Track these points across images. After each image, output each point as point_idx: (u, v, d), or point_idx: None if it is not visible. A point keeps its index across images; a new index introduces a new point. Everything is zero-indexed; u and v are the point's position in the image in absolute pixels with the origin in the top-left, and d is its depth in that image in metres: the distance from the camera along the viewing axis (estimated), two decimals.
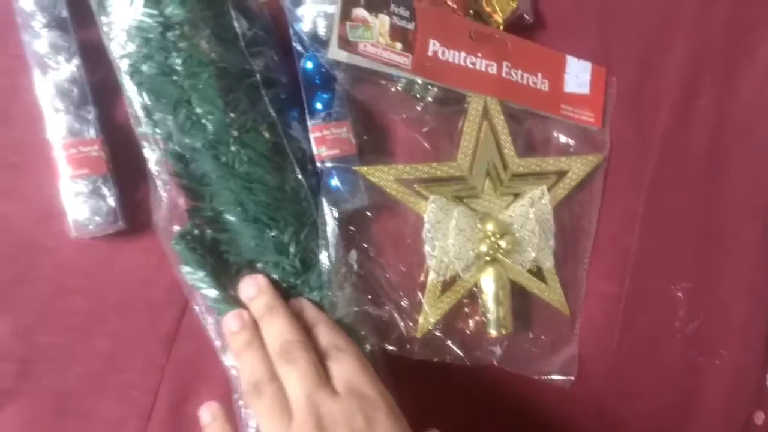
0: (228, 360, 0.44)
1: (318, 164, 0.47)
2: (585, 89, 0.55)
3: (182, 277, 0.43)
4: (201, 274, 0.43)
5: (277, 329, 0.40)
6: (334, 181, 0.47)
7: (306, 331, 0.41)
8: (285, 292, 0.44)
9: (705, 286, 0.55)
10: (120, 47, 0.43)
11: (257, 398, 0.38)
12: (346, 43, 0.46)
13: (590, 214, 0.54)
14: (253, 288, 0.42)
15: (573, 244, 0.53)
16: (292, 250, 0.45)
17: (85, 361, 0.45)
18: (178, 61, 0.43)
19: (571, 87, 0.54)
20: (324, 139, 0.47)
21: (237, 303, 0.43)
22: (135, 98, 0.43)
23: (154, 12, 0.43)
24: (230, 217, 0.44)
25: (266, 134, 0.45)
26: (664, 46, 0.56)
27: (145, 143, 0.43)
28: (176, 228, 0.44)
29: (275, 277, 0.45)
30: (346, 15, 0.46)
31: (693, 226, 0.55)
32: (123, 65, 0.43)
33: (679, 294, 0.54)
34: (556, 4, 0.55)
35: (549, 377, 0.51)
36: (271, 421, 0.37)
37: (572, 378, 0.51)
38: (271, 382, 0.38)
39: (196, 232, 0.44)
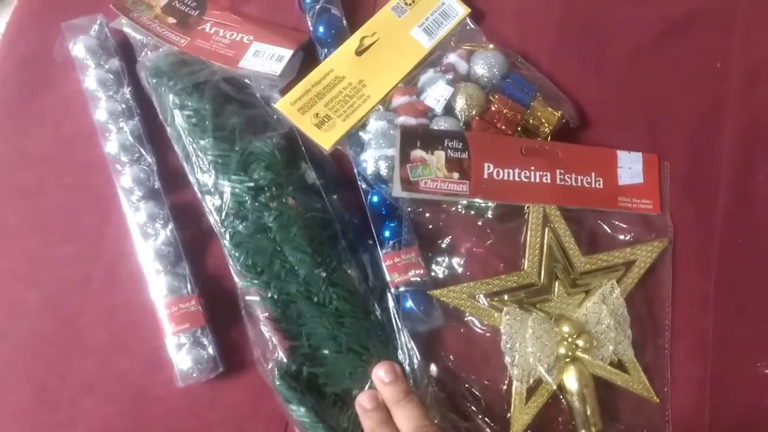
0: None
1: (392, 290, 0.52)
2: (639, 179, 0.58)
3: (285, 411, 0.49)
4: (302, 410, 0.48)
5: (414, 413, 0.45)
6: (409, 304, 0.52)
7: None
8: None
9: None
10: (218, 212, 0.51)
11: None
12: (408, 184, 0.52)
13: (663, 298, 0.56)
14: (390, 374, 0.47)
15: (651, 331, 0.55)
16: None
17: None
18: (270, 218, 0.50)
19: (626, 179, 0.58)
20: (396, 267, 0.52)
21: None
22: (235, 255, 0.51)
23: (245, 178, 0.50)
24: (325, 351, 0.50)
25: (349, 271, 0.52)
26: (713, 128, 0.60)
27: (246, 294, 0.51)
28: (274, 367, 0.50)
29: None
30: (405, 158, 0.53)
31: None
32: (223, 228, 0.51)
33: (767, 371, 0.55)
34: (599, 103, 0.60)
35: None
36: None
37: None
38: None
39: (294, 368, 0.50)
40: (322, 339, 0.50)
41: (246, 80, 0.55)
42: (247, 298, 0.50)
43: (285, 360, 0.49)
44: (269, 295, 0.50)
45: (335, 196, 0.54)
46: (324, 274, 0.50)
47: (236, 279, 0.51)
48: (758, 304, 0.56)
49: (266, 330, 0.50)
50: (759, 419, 0.54)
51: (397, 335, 0.51)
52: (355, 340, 0.50)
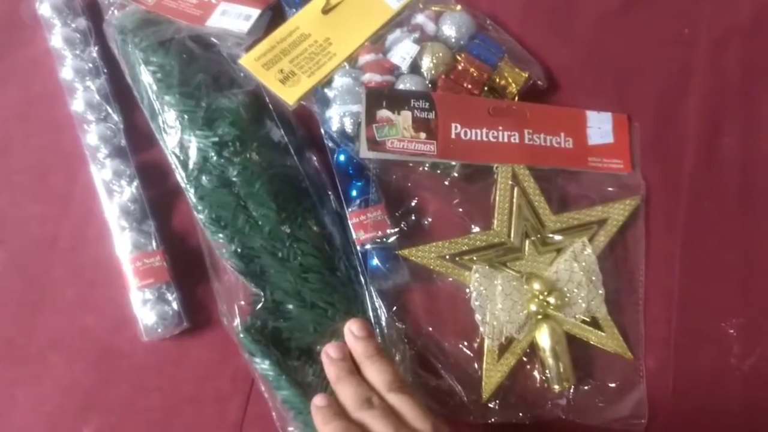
0: None
1: (358, 247, 0.53)
2: (609, 138, 0.58)
3: (250, 365, 0.50)
4: (267, 363, 0.49)
5: (387, 369, 0.46)
6: (375, 262, 0.53)
7: None
8: None
9: (757, 319, 0.56)
10: (183, 167, 0.51)
11: (368, 408, 0.43)
12: (374, 144, 0.53)
13: (636, 255, 0.57)
14: (364, 329, 0.47)
15: (626, 287, 0.56)
16: None
17: None
18: (234, 173, 0.51)
19: (595, 139, 0.58)
20: (362, 224, 0.53)
21: (301, 387, 0.49)
22: (199, 209, 0.51)
23: (209, 133, 0.51)
24: (290, 306, 0.51)
25: (315, 228, 0.52)
26: (680, 92, 0.61)
27: (214, 246, 0.51)
28: (239, 321, 0.50)
29: None
30: (371, 118, 0.53)
31: (735, 261, 0.57)
32: (187, 182, 0.51)
33: (731, 331, 0.55)
34: (567, 66, 0.61)
35: (619, 423, 0.52)
36: (386, 424, 0.42)
37: (644, 421, 0.52)
38: (381, 399, 0.44)
39: (259, 323, 0.50)
40: (285, 293, 0.51)
41: (212, 39, 0.55)
42: (216, 252, 0.51)
43: (249, 313, 0.50)
44: (233, 248, 0.50)
45: (308, 155, 0.55)
46: (288, 230, 0.51)
47: (202, 232, 0.51)
48: (723, 265, 0.56)
49: (231, 283, 0.51)
50: (723, 378, 0.54)
51: (365, 292, 0.52)
52: (319, 295, 0.51)
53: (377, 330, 0.51)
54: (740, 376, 0.54)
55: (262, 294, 0.50)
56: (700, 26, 0.62)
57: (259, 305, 0.50)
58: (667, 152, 0.59)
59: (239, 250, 0.50)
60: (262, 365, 0.49)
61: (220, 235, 0.50)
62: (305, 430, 0.48)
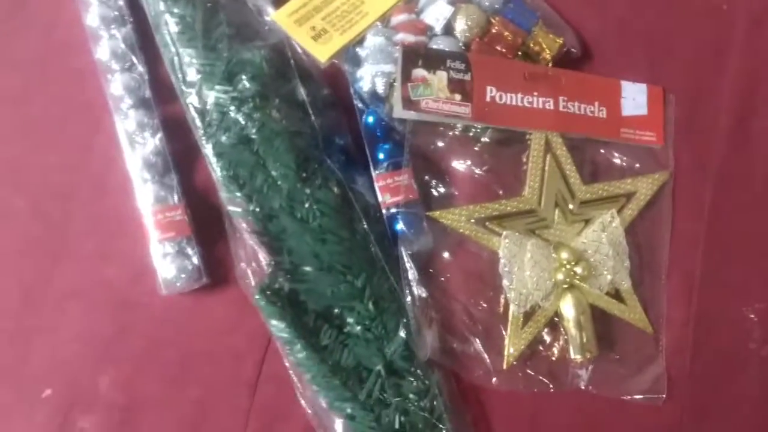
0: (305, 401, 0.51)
1: (384, 211, 0.53)
2: (643, 110, 0.58)
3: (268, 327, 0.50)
4: (282, 325, 0.49)
5: None
6: (399, 226, 0.53)
7: None
8: (362, 334, 0.50)
9: None
10: (201, 122, 0.51)
11: None
12: (409, 103, 0.52)
13: (662, 230, 0.57)
14: None
15: (649, 262, 0.56)
16: (366, 294, 0.50)
17: (178, 408, 0.52)
18: (253, 130, 0.50)
19: (629, 110, 0.58)
20: (388, 187, 0.53)
21: (316, 349, 0.49)
22: (217, 166, 0.51)
23: (229, 88, 0.50)
24: (307, 268, 0.51)
25: (335, 189, 0.51)
26: (715, 70, 0.60)
27: (229, 206, 0.51)
28: (256, 282, 0.50)
29: (351, 320, 0.50)
30: (406, 76, 0.53)
31: (760, 246, 0.56)
32: (205, 138, 0.51)
33: (752, 315, 0.55)
34: (602, 35, 0.60)
35: (638, 396, 0.52)
36: None
37: (663, 396, 0.53)
38: None
39: (276, 285, 0.50)
40: (303, 255, 0.51)
41: None
42: (230, 208, 0.51)
43: (266, 275, 0.50)
44: (251, 208, 0.50)
45: (332, 114, 0.54)
46: (308, 191, 0.50)
47: (218, 190, 0.51)
48: (747, 248, 0.56)
49: (249, 243, 0.51)
50: (740, 362, 0.54)
51: (386, 257, 0.51)
52: (338, 258, 0.51)
53: (406, 294, 0.51)
54: (758, 362, 0.54)
55: (279, 255, 0.50)
56: (738, 1, 0.60)
57: (277, 267, 0.50)
58: (697, 131, 0.58)
59: (257, 209, 0.50)
60: (278, 327, 0.49)
61: (238, 194, 0.50)
62: (319, 392, 0.49)
